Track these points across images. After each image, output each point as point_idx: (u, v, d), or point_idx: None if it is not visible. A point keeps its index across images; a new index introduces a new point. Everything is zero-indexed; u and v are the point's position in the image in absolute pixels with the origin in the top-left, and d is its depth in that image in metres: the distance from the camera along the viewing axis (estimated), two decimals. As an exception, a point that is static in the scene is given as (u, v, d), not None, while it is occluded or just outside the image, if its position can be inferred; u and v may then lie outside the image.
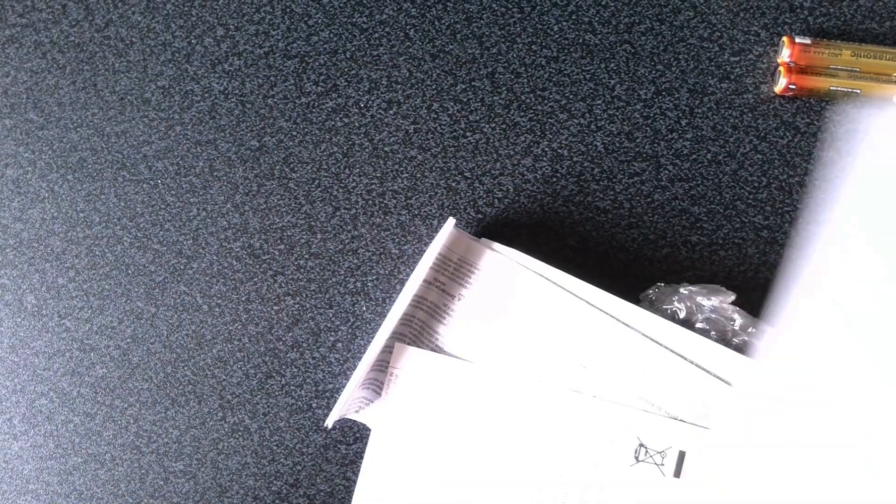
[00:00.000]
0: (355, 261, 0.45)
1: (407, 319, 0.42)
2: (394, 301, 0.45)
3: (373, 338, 0.45)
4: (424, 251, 0.45)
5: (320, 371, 0.45)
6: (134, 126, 0.46)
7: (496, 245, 0.42)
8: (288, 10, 0.47)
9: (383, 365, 0.42)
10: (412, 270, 0.45)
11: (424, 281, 0.42)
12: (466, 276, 0.42)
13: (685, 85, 0.45)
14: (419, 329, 0.42)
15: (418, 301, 0.42)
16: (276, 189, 0.46)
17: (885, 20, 0.45)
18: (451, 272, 0.42)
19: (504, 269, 0.42)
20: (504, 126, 0.46)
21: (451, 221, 0.41)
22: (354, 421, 0.44)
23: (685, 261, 0.45)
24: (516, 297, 0.41)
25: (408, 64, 0.46)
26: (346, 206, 0.46)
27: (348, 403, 0.41)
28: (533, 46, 0.46)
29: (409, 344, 0.42)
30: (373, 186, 0.46)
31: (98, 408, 0.45)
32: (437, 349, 0.42)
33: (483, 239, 0.43)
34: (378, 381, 0.42)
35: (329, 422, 0.41)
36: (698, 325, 0.41)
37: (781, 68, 0.44)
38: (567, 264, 0.45)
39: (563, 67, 0.46)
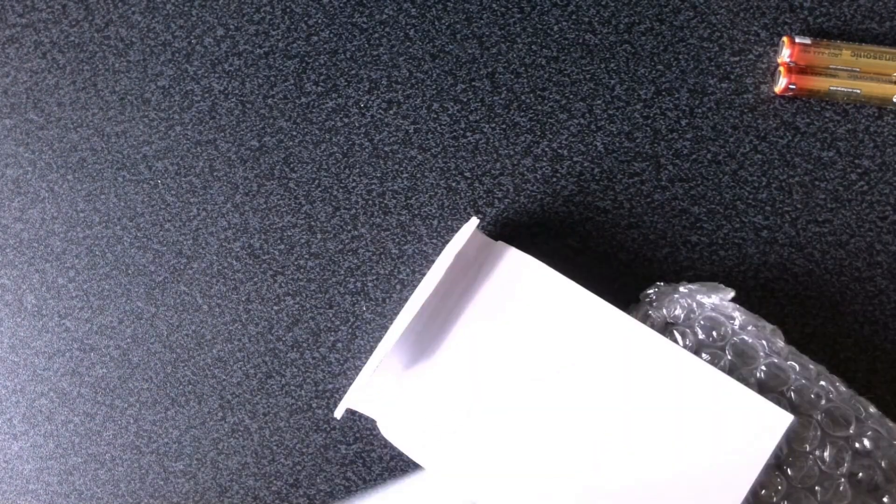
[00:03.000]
0: (355, 261, 0.45)
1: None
2: (393, 301, 0.45)
3: (373, 338, 0.45)
4: (424, 251, 0.45)
5: (320, 371, 0.45)
6: (134, 126, 0.46)
7: (505, 245, 0.42)
8: (288, 10, 0.47)
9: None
10: (412, 270, 0.45)
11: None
12: (475, 275, 0.42)
13: (685, 85, 0.46)
14: (423, 326, 0.42)
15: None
16: (276, 189, 0.46)
17: (885, 20, 0.45)
18: (459, 269, 0.42)
19: (513, 267, 0.42)
20: (504, 126, 0.46)
21: (473, 221, 0.41)
22: (355, 420, 0.44)
23: (685, 261, 0.45)
24: (525, 296, 0.41)
25: (408, 64, 0.46)
26: (346, 206, 0.46)
27: (362, 392, 0.40)
28: (533, 46, 0.46)
29: (415, 339, 0.41)
30: (373, 186, 0.46)
31: (98, 408, 0.45)
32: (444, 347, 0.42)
33: (499, 242, 0.43)
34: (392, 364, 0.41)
35: (338, 413, 0.40)
36: (698, 324, 0.41)
37: (781, 68, 0.44)
38: (567, 264, 0.45)
39: (563, 67, 0.46)
